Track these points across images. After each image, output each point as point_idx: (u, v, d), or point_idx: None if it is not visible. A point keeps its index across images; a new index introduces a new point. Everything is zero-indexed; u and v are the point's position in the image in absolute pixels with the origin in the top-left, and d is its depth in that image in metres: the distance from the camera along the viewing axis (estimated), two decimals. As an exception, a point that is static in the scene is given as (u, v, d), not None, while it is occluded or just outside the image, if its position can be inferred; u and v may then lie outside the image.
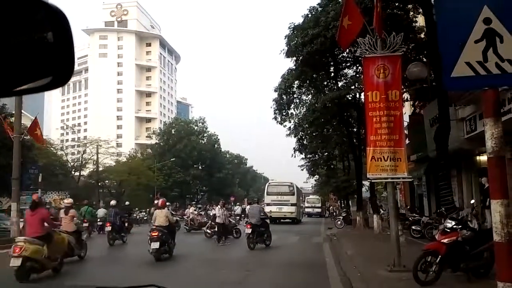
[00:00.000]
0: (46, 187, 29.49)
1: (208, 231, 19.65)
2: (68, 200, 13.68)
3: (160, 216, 13.14)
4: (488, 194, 8.05)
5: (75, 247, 11.84)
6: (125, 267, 11.69)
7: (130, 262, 12.95)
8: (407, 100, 21.73)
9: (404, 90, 17.09)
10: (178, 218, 20.66)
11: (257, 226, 15.60)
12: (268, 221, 17.06)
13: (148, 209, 38.45)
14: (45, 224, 9.82)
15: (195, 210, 26.48)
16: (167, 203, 19.08)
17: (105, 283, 8.55)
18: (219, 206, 18.30)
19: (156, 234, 12.25)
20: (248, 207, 31.70)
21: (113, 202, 20.31)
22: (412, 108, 24.04)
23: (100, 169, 46.35)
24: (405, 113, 15.03)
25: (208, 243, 18.01)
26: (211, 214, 21.87)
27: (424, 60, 16.72)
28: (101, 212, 22.46)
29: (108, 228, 17.69)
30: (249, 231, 15.33)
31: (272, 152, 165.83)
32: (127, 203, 20.96)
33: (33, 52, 1.18)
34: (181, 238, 15.09)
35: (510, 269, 3.94)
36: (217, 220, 17.67)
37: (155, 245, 12.00)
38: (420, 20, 18.31)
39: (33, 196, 11.46)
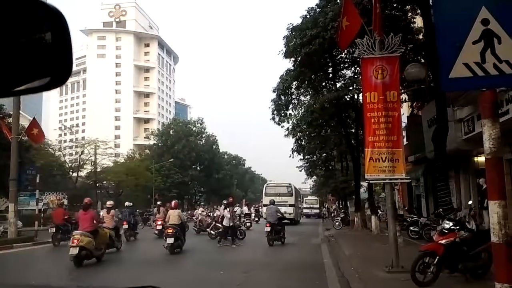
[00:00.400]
0: (43, 188, 29.40)
1: (212, 232, 19.65)
2: (110, 202, 16.73)
3: (174, 216, 14.93)
4: (486, 195, 8.07)
5: (114, 240, 14.42)
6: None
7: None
8: (405, 101, 21.77)
9: (402, 91, 17.11)
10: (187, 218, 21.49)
11: (275, 225, 16.90)
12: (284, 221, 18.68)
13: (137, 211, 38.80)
14: (94, 221, 12.43)
15: (203, 211, 26.43)
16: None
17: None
18: (228, 209, 18.07)
19: (171, 231, 13.99)
20: (245, 208, 31.86)
21: (127, 203, 22.60)
22: (410, 109, 24.10)
23: (98, 170, 46.28)
24: (403, 114, 15.04)
25: (210, 244, 18.00)
26: (215, 215, 21.84)
27: (422, 61, 16.75)
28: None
29: (125, 226, 19.67)
30: (269, 229, 16.82)
31: (270, 153, 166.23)
32: (130, 204, 22.62)
33: (32, 53, 1.18)
34: (188, 238, 15.75)
35: (508, 270, 3.95)
36: (225, 221, 17.45)
37: (170, 240, 13.78)
38: (418, 21, 18.32)
39: (85, 199, 13.61)
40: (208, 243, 18.44)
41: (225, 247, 16.53)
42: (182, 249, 14.56)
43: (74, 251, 11.05)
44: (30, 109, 58.36)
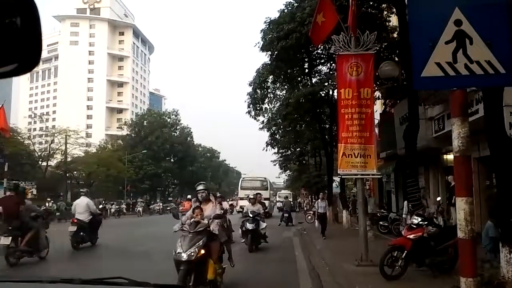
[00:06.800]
0: (12, 177, 28.61)
1: None
2: None
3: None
4: (453, 192, 8.28)
5: None
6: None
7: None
8: (378, 98, 22.06)
9: (376, 88, 17.34)
10: None
11: None
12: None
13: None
14: None
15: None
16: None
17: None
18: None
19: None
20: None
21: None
22: (383, 106, 24.43)
23: (69, 159, 45.26)
24: (376, 111, 15.25)
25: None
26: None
27: (396, 59, 16.98)
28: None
29: None
30: None
31: (246, 147, 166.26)
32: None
33: (-2, 37, 1.13)
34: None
35: (473, 264, 4.07)
36: None
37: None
38: (394, 20, 18.57)
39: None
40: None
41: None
42: None
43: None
44: (-2, 95, 56.46)
